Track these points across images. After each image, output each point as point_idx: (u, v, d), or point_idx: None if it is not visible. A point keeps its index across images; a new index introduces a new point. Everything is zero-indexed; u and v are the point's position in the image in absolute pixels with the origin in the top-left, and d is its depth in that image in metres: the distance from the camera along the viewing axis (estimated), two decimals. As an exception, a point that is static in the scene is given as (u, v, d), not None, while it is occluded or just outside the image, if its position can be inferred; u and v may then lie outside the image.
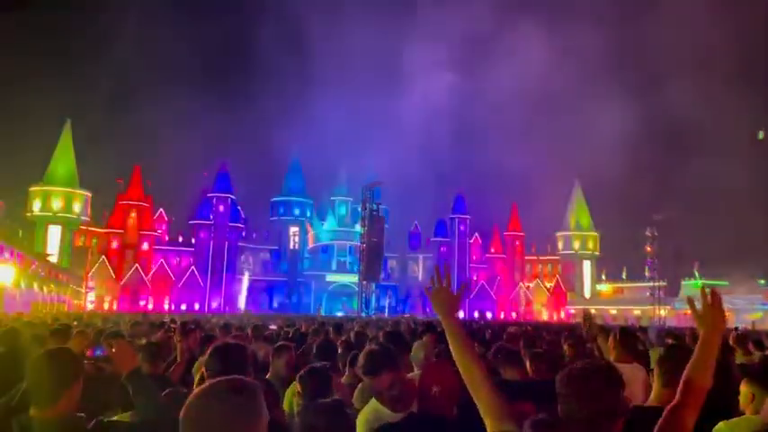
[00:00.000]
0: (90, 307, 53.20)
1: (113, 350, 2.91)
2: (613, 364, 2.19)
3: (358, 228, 62.25)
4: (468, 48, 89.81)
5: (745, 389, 3.28)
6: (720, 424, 3.12)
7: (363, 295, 55.05)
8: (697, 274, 65.13)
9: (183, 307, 58.93)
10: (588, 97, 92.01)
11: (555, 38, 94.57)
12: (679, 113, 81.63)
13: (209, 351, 2.98)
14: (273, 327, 13.39)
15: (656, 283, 61.84)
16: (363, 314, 48.89)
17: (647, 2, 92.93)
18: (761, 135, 65.44)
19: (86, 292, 55.99)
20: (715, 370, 4.44)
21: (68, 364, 2.63)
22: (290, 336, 9.51)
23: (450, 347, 2.17)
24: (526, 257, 77.87)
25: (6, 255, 34.57)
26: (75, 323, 10.86)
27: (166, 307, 57.82)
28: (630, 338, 4.56)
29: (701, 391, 2.13)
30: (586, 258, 76.02)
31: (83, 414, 2.60)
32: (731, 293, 60.24)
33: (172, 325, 7.15)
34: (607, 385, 1.95)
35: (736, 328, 10.78)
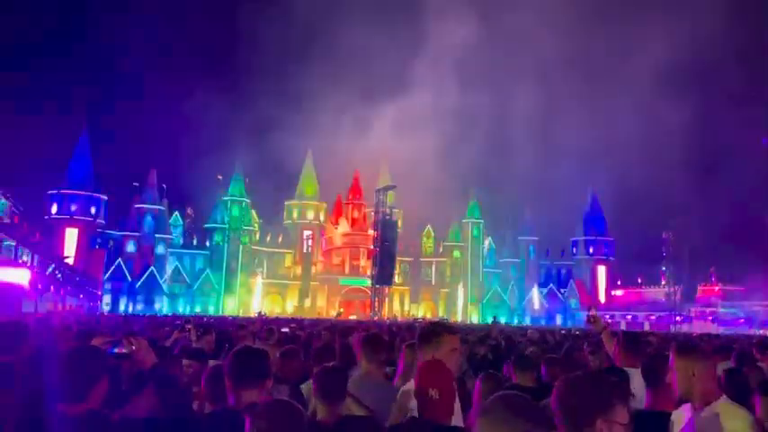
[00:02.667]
0: (106, 309, 53.73)
1: (134, 348, 2.95)
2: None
3: (371, 231, 62.40)
4: (483, 50, 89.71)
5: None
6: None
7: (376, 299, 55.19)
8: (713, 279, 64.55)
9: (198, 309, 59.30)
10: (604, 101, 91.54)
11: (573, 40, 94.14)
12: (695, 118, 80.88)
13: (229, 356, 2.92)
14: (286, 330, 13.44)
15: (673, 289, 61.34)
16: (376, 318, 48.93)
17: (669, 7, 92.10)
18: None
19: (102, 295, 56.57)
20: (732, 381, 4.36)
21: (96, 361, 2.66)
22: (303, 339, 9.54)
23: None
24: (540, 262, 77.44)
25: (24, 257, 35.05)
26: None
27: (180, 309, 58.22)
28: (634, 342, 4.53)
29: None
30: (601, 263, 75.43)
31: (107, 410, 2.63)
32: (748, 299, 59.58)
33: (187, 326, 7.25)
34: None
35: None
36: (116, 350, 3.03)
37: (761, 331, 37.03)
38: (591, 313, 5.34)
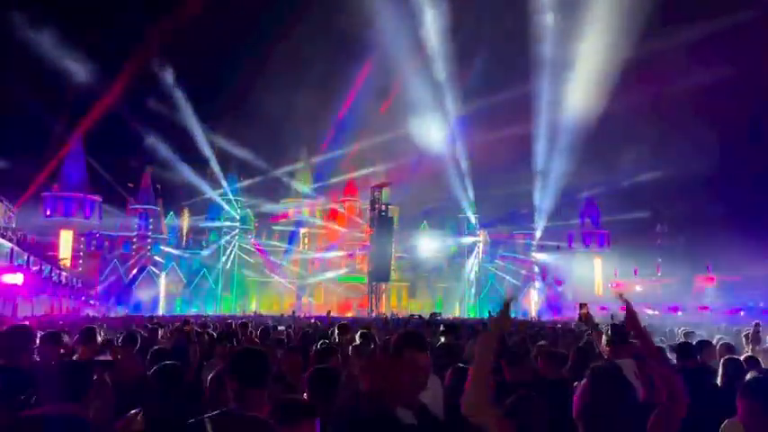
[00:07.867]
0: (102, 311, 53.64)
1: (119, 357, 3.00)
2: None
3: (367, 228, 62.37)
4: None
5: None
6: (725, 422, 3.21)
7: (373, 296, 55.30)
8: (710, 269, 64.75)
9: (195, 309, 59.21)
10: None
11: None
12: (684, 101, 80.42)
13: (232, 357, 2.95)
14: (282, 328, 13.45)
15: (668, 280, 61.47)
16: (374, 314, 48.99)
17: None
18: None
19: (98, 297, 56.48)
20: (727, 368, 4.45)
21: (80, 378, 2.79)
22: (299, 338, 9.50)
23: (480, 356, 2.53)
24: (536, 256, 77.55)
25: (19, 260, 34.95)
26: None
27: (178, 310, 58.18)
28: (622, 336, 4.62)
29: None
30: (597, 256, 75.61)
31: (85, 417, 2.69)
32: (745, 290, 59.79)
33: (185, 327, 7.30)
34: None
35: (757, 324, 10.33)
36: (101, 357, 3.02)
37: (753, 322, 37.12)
38: (582, 312, 5.36)
